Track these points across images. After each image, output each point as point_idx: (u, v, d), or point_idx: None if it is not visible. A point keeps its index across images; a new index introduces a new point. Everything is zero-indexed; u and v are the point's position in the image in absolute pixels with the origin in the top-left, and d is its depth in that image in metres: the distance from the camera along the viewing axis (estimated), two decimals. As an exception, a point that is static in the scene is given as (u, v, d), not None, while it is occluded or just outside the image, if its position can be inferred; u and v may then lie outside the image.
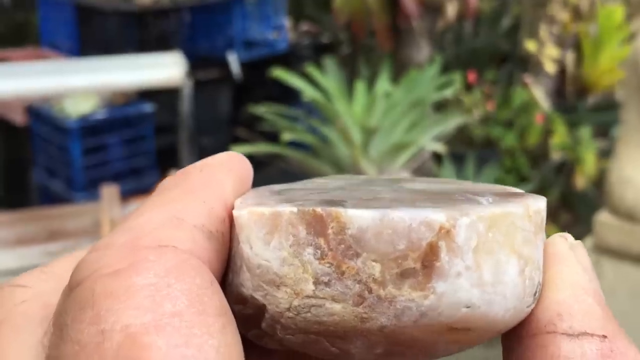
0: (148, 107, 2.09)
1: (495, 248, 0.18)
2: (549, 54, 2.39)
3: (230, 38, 2.33)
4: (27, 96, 1.88)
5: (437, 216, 0.17)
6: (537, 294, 0.19)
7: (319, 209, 0.18)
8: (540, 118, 2.31)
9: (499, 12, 2.54)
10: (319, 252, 0.18)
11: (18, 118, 2.12)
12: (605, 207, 1.52)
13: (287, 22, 2.56)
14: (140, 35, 2.23)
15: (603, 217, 1.49)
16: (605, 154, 2.21)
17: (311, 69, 1.93)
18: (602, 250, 1.46)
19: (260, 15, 2.42)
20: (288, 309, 0.18)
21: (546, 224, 0.20)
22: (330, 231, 0.17)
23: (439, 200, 0.19)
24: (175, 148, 2.08)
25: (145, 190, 1.92)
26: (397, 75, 2.14)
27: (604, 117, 2.40)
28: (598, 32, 2.45)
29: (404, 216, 0.17)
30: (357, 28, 2.46)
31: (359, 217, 0.17)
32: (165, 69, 1.65)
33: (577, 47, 2.49)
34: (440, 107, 2.23)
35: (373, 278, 0.17)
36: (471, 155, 2.11)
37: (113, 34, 2.21)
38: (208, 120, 2.24)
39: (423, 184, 0.21)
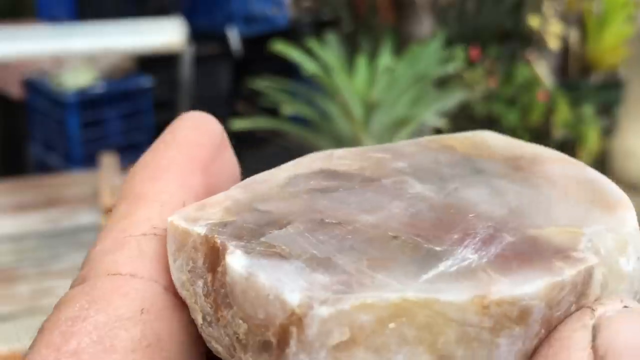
0: (147, 81, 2.06)
1: (391, 345, 0.13)
2: (552, 31, 2.37)
3: (230, 13, 2.31)
4: (24, 60, 1.85)
5: (291, 297, 0.13)
6: None
7: (219, 240, 0.15)
8: (543, 95, 2.29)
9: (502, -11, 2.51)
10: (205, 289, 0.15)
11: (15, 91, 2.10)
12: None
13: (287, -2, 2.53)
14: (139, 9, 2.20)
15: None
16: (608, 132, 2.19)
17: (312, 43, 1.91)
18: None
19: (260, -10, 2.40)
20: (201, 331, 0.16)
21: None
22: (220, 269, 0.15)
23: (398, 248, 0.14)
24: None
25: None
26: (399, 50, 2.12)
27: (607, 95, 2.38)
28: (602, 9, 2.43)
29: (265, 283, 0.14)
30: (359, 3, 2.43)
31: (230, 266, 0.14)
32: (165, 34, 1.62)
33: (581, 24, 2.47)
34: (442, 83, 2.21)
35: (237, 337, 0.14)
36: (473, 132, 2.09)
37: (111, 7, 2.19)
38: (208, 95, 2.22)
39: (481, 190, 0.17)
